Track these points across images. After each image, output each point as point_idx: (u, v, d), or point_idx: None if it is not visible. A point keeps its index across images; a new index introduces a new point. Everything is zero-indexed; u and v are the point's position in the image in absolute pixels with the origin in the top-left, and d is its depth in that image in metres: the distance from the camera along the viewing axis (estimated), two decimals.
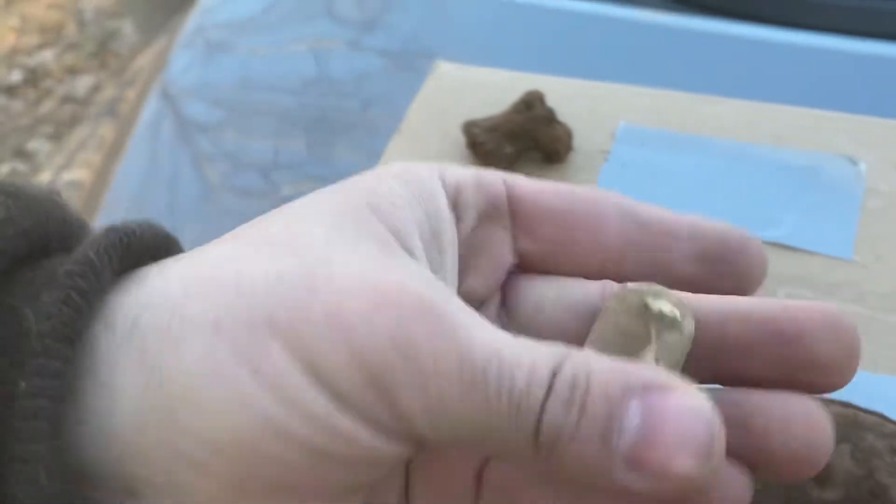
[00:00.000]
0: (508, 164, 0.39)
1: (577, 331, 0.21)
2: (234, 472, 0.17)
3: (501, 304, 0.23)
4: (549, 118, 0.39)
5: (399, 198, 0.20)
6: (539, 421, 0.16)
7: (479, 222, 0.22)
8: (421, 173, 0.21)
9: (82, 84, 1.95)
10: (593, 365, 0.17)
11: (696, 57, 0.51)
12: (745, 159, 0.39)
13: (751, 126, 0.41)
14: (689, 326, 0.19)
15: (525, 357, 0.17)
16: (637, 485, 0.16)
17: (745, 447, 0.19)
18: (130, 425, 0.17)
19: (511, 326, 0.22)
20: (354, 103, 0.52)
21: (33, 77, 1.96)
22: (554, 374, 0.17)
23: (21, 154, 1.79)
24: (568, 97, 0.42)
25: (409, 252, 0.19)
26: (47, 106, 1.91)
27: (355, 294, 0.17)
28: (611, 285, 0.22)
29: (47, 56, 2.01)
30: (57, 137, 1.79)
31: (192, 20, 0.68)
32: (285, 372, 0.16)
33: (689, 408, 0.16)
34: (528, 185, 0.22)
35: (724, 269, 0.22)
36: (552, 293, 0.22)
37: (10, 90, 1.93)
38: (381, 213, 0.19)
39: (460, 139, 0.42)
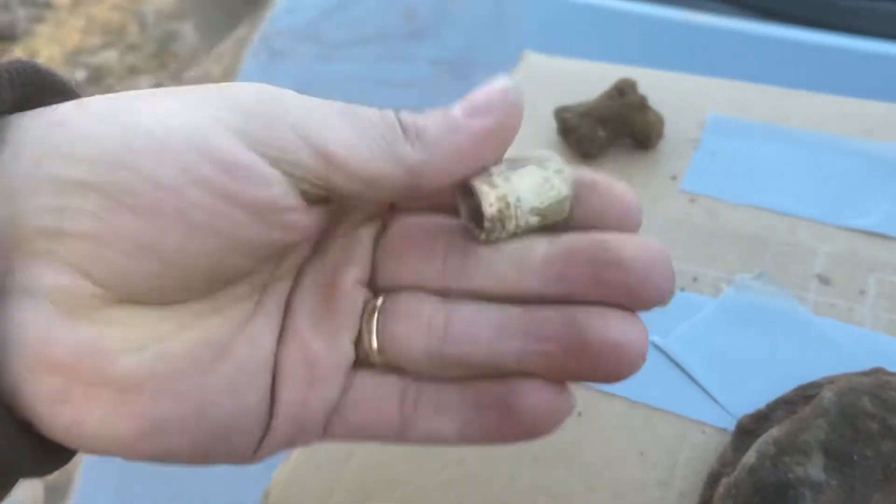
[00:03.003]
0: (600, 149, 0.40)
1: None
2: (113, 188, 0.19)
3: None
4: (642, 104, 0.40)
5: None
6: (398, 118, 0.21)
7: None
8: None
9: (143, 84, 1.99)
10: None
11: (780, 63, 0.51)
12: (834, 150, 0.40)
13: (839, 120, 0.41)
14: (566, 178, 0.22)
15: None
16: (478, 125, 0.21)
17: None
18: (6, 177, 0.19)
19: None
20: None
21: (97, 76, 2.01)
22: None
23: None
24: (658, 87, 0.42)
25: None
26: None
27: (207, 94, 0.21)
28: None
29: (110, 56, 2.06)
30: None
31: (259, 28, 0.70)
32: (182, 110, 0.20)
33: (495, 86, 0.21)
34: None
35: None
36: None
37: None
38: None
39: (551, 125, 0.43)
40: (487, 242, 0.22)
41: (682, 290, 0.36)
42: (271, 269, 0.23)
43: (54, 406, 0.19)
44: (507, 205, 0.22)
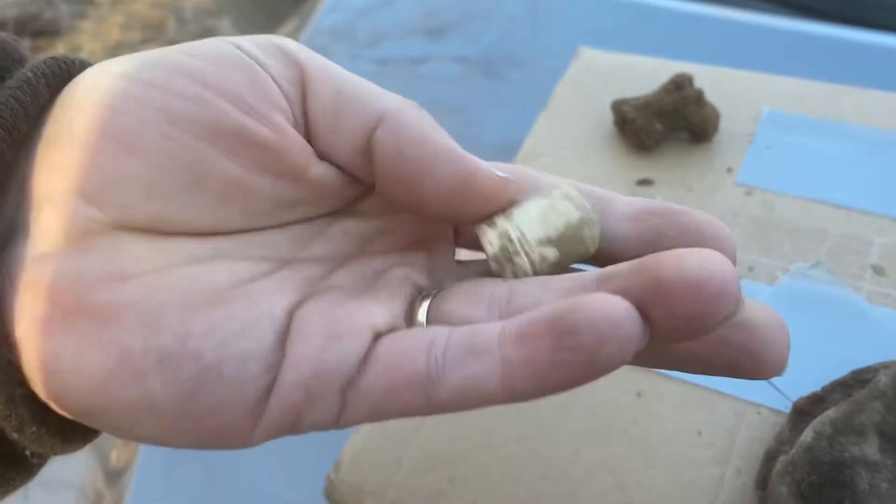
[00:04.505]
0: (657, 141, 0.42)
1: None
2: (135, 105, 0.20)
3: None
4: (699, 98, 0.41)
5: None
6: None
7: None
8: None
9: None
10: None
11: (831, 61, 0.52)
12: (887, 144, 0.41)
13: (891, 116, 0.42)
14: (594, 219, 0.21)
15: None
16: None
17: (638, 290, 0.18)
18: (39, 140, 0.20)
19: None
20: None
21: None
22: None
23: None
24: (713, 82, 0.44)
25: None
26: None
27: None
28: None
29: None
30: None
31: (305, 27, 0.72)
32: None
33: None
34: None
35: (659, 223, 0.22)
36: None
37: None
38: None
39: (607, 117, 0.44)
40: None
41: (740, 278, 0.37)
42: (297, 246, 0.23)
43: (37, 339, 0.19)
44: (510, 240, 0.21)
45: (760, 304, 0.21)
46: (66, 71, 0.22)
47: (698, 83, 0.42)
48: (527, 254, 0.21)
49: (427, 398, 0.19)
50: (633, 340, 0.17)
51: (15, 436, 0.20)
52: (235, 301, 0.20)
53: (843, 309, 0.35)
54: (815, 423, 0.30)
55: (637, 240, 0.22)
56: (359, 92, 0.22)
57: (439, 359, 0.19)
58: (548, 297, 0.20)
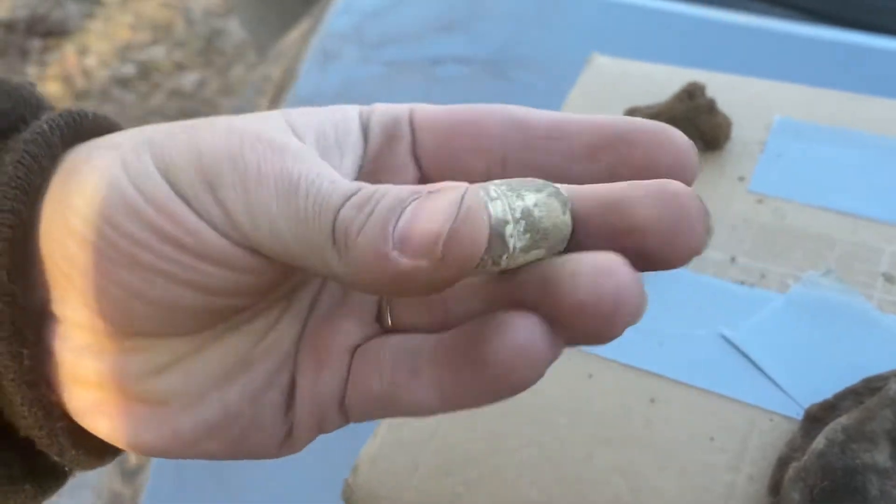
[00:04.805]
0: None
1: None
2: (100, 242, 0.20)
3: None
4: (711, 107, 0.41)
5: (313, 112, 0.23)
6: (335, 219, 0.19)
7: (385, 140, 0.23)
8: (345, 106, 0.24)
9: (189, 79, 2.03)
10: (396, 186, 0.19)
11: (842, 68, 0.53)
12: None
13: None
14: (567, 224, 0.20)
15: (339, 178, 0.20)
16: (406, 265, 0.18)
17: (544, 307, 0.19)
18: (44, 218, 0.21)
19: None
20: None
21: (144, 71, 2.06)
22: (358, 189, 0.19)
23: None
24: (725, 89, 0.44)
25: (298, 136, 0.22)
26: (157, 99, 2.00)
27: (216, 131, 0.21)
28: None
29: (158, 52, 2.10)
30: None
31: (318, 29, 0.72)
32: (145, 168, 0.20)
33: (451, 195, 0.18)
34: (426, 109, 0.23)
35: (614, 161, 0.21)
36: None
37: (124, 83, 2.03)
38: (289, 115, 0.22)
39: None
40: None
41: (752, 286, 0.37)
42: (293, 282, 0.24)
43: (93, 417, 0.22)
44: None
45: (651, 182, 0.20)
46: (80, 123, 0.23)
47: (710, 91, 0.43)
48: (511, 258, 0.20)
49: (393, 408, 0.22)
50: (545, 361, 0.19)
51: (57, 459, 0.22)
52: (258, 358, 0.23)
53: (854, 317, 0.35)
54: (828, 430, 0.31)
55: (591, 181, 0.21)
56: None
57: (389, 383, 0.22)
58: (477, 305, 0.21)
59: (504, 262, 0.19)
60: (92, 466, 0.23)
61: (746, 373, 0.35)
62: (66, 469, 0.24)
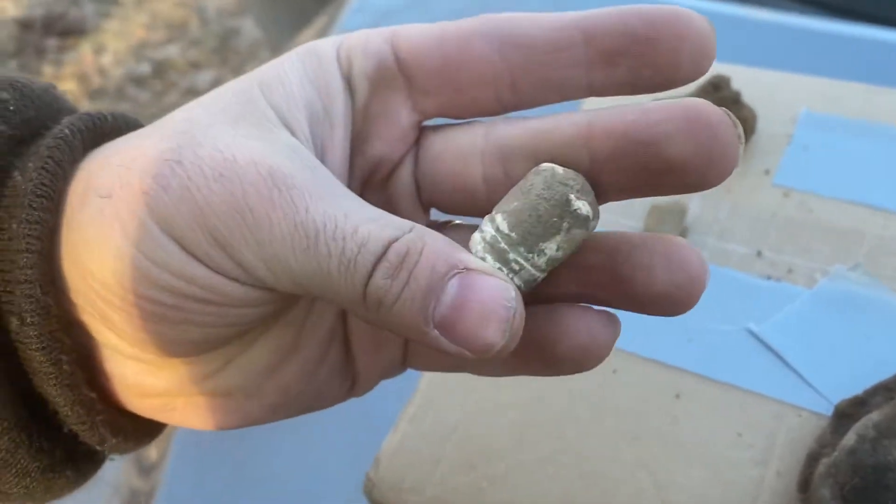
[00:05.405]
0: None
1: (470, 175, 0.22)
2: (126, 305, 0.20)
3: (415, 162, 0.23)
4: (736, 100, 0.41)
5: (290, 77, 0.22)
6: (366, 284, 0.19)
7: (373, 89, 0.22)
8: (321, 50, 0.22)
9: (204, 78, 2.04)
10: (428, 241, 0.19)
11: (867, 62, 0.52)
12: None
13: None
14: (594, 225, 0.21)
15: (363, 227, 0.19)
16: (448, 347, 0.19)
17: (613, 295, 0.21)
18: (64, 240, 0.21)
19: (420, 183, 0.23)
20: None
21: (160, 70, 2.07)
22: (389, 245, 0.19)
23: None
24: (750, 83, 0.43)
25: (290, 128, 0.21)
26: (172, 97, 2.00)
27: (208, 169, 0.20)
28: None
29: (172, 51, 2.11)
30: None
31: (332, 27, 0.72)
32: (149, 232, 0.20)
33: (497, 289, 0.19)
34: (410, 42, 0.22)
35: (635, 63, 0.21)
36: (444, 142, 0.23)
37: (139, 81, 2.04)
38: (268, 91, 0.21)
39: None
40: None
41: (778, 280, 0.37)
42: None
43: (163, 415, 0.24)
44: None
45: (669, 103, 0.20)
46: (100, 127, 0.23)
47: (735, 84, 0.42)
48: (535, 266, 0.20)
49: (455, 369, 0.25)
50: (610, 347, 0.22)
51: (98, 448, 0.23)
52: (305, 340, 0.24)
53: (882, 311, 0.35)
54: (858, 427, 0.30)
55: (614, 87, 0.22)
56: None
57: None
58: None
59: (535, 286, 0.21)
60: (131, 450, 0.25)
61: (774, 368, 0.34)
62: (105, 454, 0.25)
